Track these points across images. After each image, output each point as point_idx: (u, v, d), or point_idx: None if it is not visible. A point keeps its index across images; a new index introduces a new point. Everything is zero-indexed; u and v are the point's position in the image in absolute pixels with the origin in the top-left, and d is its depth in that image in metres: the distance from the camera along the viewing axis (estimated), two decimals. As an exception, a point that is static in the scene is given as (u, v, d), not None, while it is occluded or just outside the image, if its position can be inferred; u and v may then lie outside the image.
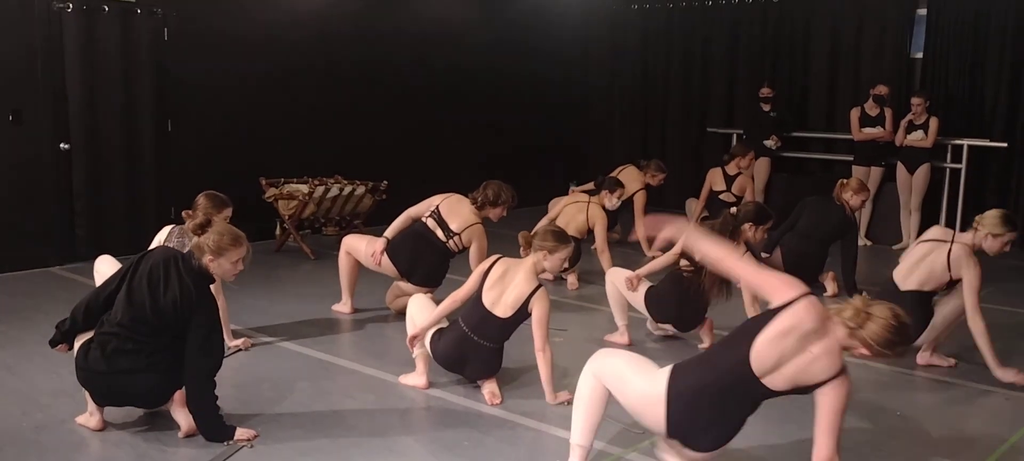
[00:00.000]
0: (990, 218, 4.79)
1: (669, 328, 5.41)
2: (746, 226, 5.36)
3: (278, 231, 8.12)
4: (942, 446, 3.90)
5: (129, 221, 7.55)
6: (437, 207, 5.86)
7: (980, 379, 4.79)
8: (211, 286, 4.99)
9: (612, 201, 7.24)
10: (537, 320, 4.28)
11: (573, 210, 7.07)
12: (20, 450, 3.68)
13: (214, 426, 3.71)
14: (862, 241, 7.18)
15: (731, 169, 8.46)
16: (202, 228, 3.75)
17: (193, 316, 3.64)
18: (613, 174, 7.99)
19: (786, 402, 3.22)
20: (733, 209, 5.40)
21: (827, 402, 2.96)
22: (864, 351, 2.96)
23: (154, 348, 3.67)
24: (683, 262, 5.15)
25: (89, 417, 3.87)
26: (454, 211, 5.82)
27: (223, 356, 3.82)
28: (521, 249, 4.49)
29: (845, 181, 6.77)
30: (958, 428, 4.24)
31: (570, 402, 3.68)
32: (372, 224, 8.51)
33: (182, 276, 3.66)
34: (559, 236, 4.46)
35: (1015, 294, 6.86)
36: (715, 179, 8.55)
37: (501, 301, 4.35)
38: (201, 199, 5.13)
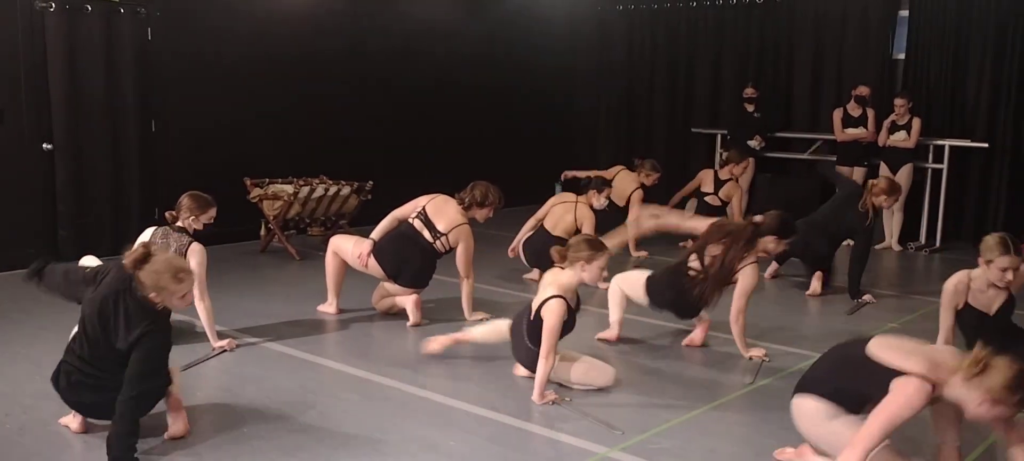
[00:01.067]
0: (984, 244, 4.59)
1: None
2: (768, 239, 5.14)
3: (263, 232, 8.10)
4: (924, 445, 3.93)
5: (113, 222, 7.52)
6: (423, 208, 5.86)
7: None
8: (195, 288, 5.00)
9: (600, 201, 7.24)
10: (546, 328, 4.30)
11: (561, 210, 7.09)
12: (2, 452, 3.66)
13: None
14: (848, 242, 7.20)
15: (723, 174, 8.47)
16: (139, 264, 3.55)
17: (133, 351, 3.50)
18: (606, 175, 8.00)
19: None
20: (757, 218, 5.28)
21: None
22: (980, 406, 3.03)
23: (116, 380, 3.50)
24: (692, 262, 5.14)
25: (72, 418, 3.85)
26: (441, 212, 5.82)
27: (151, 403, 3.68)
28: (557, 263, 4.48)
29: (874, 182, 6.70)
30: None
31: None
32: (358, 224, 8.49)
33: (130, 315, 3.53)
34: (593, 244, 4.45)
35: None
36: (705, 179, 8.57)
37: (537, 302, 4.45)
38: (185, 199, 5.12)
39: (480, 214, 5.91)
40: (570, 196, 7.26)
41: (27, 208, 7.07)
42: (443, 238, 5.78)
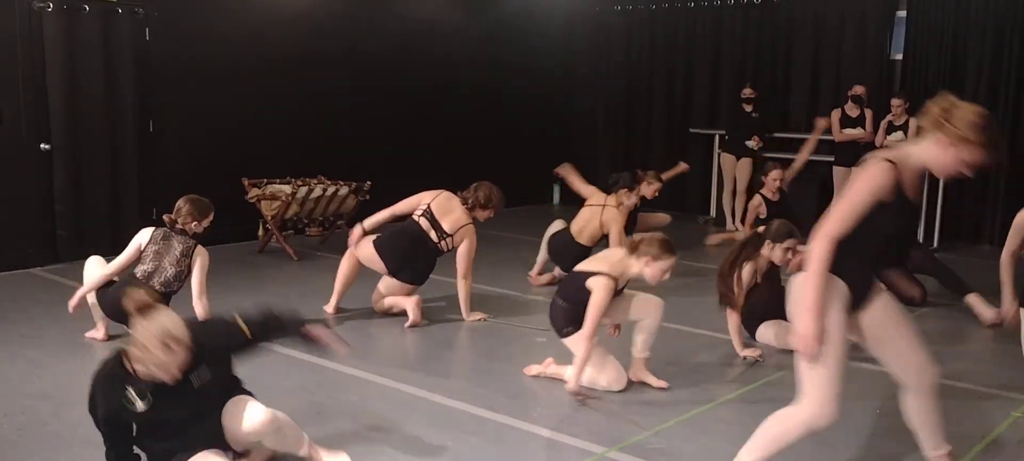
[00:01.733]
0: None
1: (757, 352, 5.16)
2: (767, 243, 5.12)
3: (261, 232, 8.10)
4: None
5: (111, 222, 7.52)
6: (428, 206, 5.84)
7: (958, 377, 4.84)
8: (194, 287, 5.03)
9: (631, 199, 7.01)
10: (591, 303, 4.35)
11: (587, 215, 6.97)
12: (1, 452, 3.66)
13: None
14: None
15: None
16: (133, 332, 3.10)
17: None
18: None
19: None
20: (761, 228, 5.29)
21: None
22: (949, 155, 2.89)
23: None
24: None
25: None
26: (446, 211, 5.82)
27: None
28: (628, 253, 4.46)
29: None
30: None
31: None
32: (354, 224, 8.50)
33: (125, 396, 3.10)
34: (666, 246, 4.39)
35: None
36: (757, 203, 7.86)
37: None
38: (182, 204, 5.14)
39: (482, 215, 5.92)
40: (598, 198, 7.04)
41: (25, 208, 7.06)
42: (449, 238, 5.79)
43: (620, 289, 4.52)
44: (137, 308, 3.05)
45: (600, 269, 4.41)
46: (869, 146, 8.99)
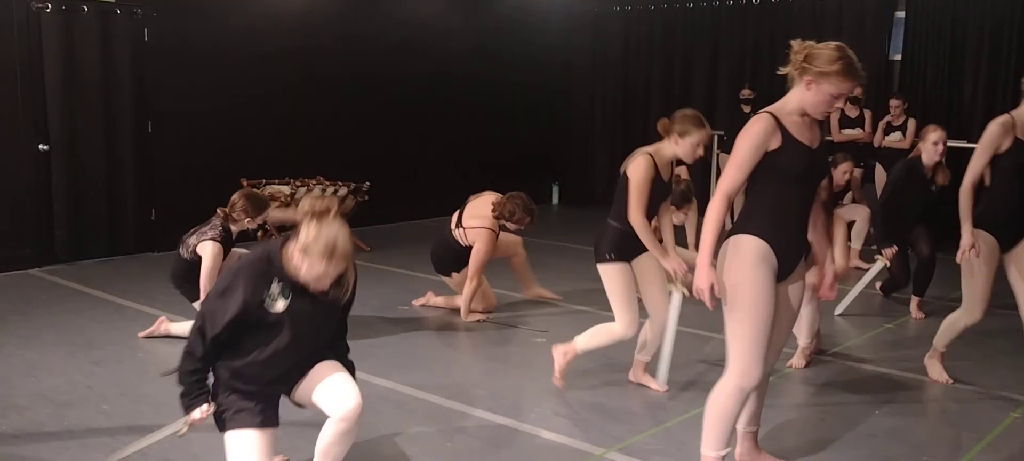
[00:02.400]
0: None
1: None
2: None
3: (260, 233, 8.09)
4: (919, 445, 3.94)
5: (109, 223, 7.51)
6: (470, 198, 6.07)
7: (957, 377, 4.84)
8: (203, 281, 5.01)
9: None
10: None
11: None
12: (-2, 454, 3.66)
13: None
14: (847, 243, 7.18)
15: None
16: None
17: None
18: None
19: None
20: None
21: None
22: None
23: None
24: None
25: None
26: (476, 207, 5.97)
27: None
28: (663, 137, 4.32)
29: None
30: (935, 427, 4.28)
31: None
32: (354, 225, 8.46)
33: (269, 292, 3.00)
34: (695, 120, 4.25)
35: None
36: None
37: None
38: (238, 199, 5.18)
39: (510, 226, 5.96)
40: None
41: (23, 209, 7.05)
42: (462, 230, 5.90)
43: (666, 184, 4.34)
44: (315, 211, 2.92)
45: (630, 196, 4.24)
46: (867, 146, 8.99)
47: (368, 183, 8.21)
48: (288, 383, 3.17)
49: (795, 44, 3.17)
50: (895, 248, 6.03)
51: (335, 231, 2.90)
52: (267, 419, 3.07)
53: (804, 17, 10.28)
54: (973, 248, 4.34)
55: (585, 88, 12.08)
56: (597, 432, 4.00)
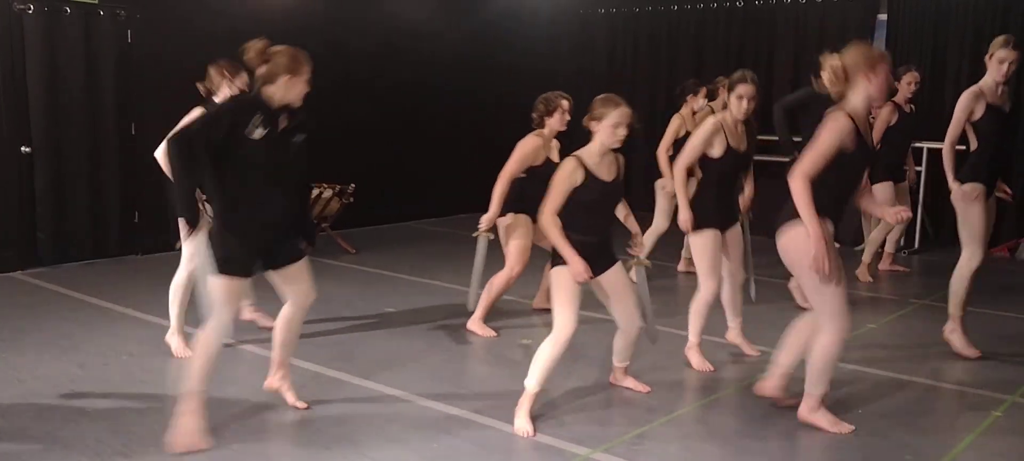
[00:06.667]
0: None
1: None
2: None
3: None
4: (901, 444, 3.97)
5: (92, 225, 7.47)
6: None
7: (939, 378, 4.88)
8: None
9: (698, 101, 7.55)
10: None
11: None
12: (-19, 457, 3.64)
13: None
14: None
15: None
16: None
17: None
18: None
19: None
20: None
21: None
22: None
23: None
24: None
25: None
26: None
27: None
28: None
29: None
30: (917, 426, 4.31)
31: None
32: (340, 227, 8.48)
33: (252, 120, 3.95)
34: (608, 102, 4.42)
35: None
36: None
37: None
38: (210, 68, 5.34)
39: (552, 124, 5.79)
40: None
41: (5, 212, 7.01)
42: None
43: (610, 184, 4.33)
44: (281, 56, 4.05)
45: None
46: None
47: (353, 185, 8.20)
48: (273, 242, 3.96)
49: (828, 60, 3.80)
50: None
51: (293, 49, 4.11)
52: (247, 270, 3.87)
53: (788, 20, 10.34)
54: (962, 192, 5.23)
55: (571, 90, 11.93)
56: (582, 432, 4.01)
